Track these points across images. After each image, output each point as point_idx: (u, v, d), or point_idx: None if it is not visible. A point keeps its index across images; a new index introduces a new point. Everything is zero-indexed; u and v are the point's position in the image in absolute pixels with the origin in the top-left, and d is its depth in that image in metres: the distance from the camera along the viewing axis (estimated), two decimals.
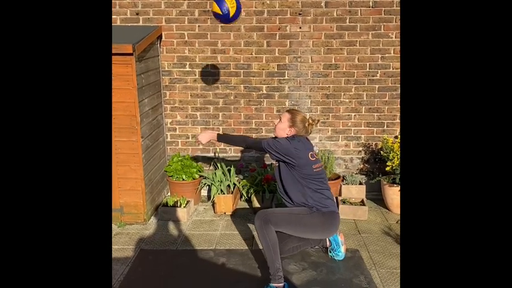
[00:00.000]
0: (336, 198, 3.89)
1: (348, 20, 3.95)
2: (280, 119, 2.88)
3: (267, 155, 4.26)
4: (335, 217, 2.81)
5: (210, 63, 4.10)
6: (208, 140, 3.07)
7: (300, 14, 3.96)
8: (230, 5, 2.97)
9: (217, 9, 2.98)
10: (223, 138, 3.07)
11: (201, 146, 4.29)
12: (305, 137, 2.90)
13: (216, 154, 4.28)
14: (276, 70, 4.09)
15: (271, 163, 4.23)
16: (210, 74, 4.13)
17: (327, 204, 2.79)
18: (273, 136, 2.98)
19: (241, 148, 4.27)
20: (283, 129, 2.85)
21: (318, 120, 3.02)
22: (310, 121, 2.88)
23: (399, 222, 3.60)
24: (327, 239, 3.04)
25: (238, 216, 3.81)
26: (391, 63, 4.02)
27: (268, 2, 3.95)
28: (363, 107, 4.13)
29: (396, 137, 4.14)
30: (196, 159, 4.27)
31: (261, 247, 3.16)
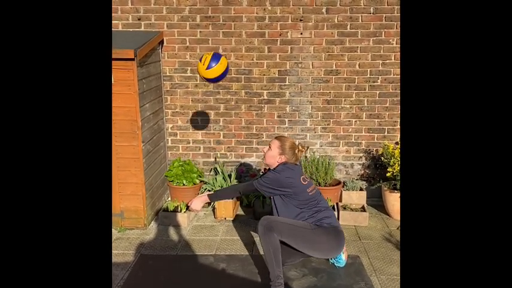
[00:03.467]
0: (337, 204, 3.89)
1: (348, 26, 3.97)
2: (270, 147, 2.87)
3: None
4: (339, 233, 2.81)
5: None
6: (202, 205, 3.01)
7: (301, 20, 3.98)
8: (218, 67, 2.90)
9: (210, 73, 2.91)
10: (214, 196, 3.07)
11: (201, 151, 4.29)
12: (294, 163, 2.89)
13: (217, 159, 4.28)
14: (276, 75, 4.10)
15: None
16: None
17: (328, 221, 2.79)
18: (264, 166, 2.93)
19: (242, 153, 4.27)
20: (273, 157, 2.84)
21: (308, 147, 3.01)
22: (300, 147, 2.89)
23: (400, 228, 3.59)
24: None
25: (239, 222, 3.81)
26: (391, 70, 4.03)
27: (269, 8, 3.97)
28: (364, 113, 4.14)
29: (397, 143, 4.14)
30: (196, 164, 4.27)
31: (262, 253, 3.16)
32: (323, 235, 2.74)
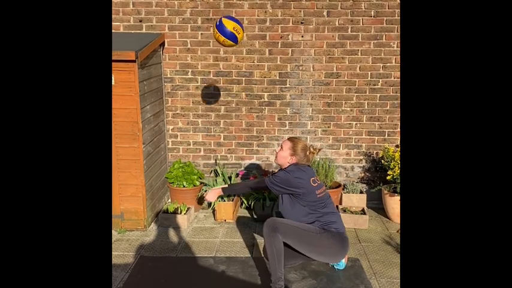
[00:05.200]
0: (337, 206, 3.89)
1: (349, 29, 3.98)
2: (282, 147, 2.90)
3: (269, 163, 4.27)
4: (344, 240, 2.81)
5: (212, 70, 4.12)
6: (216, 196, 3.22)
7: (302, 22, 3.99)
8: (231, 29, 2.99)
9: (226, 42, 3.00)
10: (228, 190, 3.26)
11: (202, 153, 4.29)
12: (306, 164, 2.90)
13: (217, 161, 4.28)
14: (277, 78, 4.11)
15: (272, 170, 4.23)
16: (212, 82, 4.15)
17: (335, 226, 2.79)
18: (275, 165, 2.95)
19: (242, 155, 4.28)
20: (285, 157, 2.87)
21: (319, 149, 3.06)
22: (312, 150, 2.91)
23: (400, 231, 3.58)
24: None
25: (239, 224, 3.81)
26: (392, 73, 4.04)
27: (270, 10, 3.98)
28: (364, 116, 4.14)
29: (397, 146, 4.14)
30: (197, 166, 4.27)
31: (262, 255, 3.16)
32: (328, 240, 2.74)
